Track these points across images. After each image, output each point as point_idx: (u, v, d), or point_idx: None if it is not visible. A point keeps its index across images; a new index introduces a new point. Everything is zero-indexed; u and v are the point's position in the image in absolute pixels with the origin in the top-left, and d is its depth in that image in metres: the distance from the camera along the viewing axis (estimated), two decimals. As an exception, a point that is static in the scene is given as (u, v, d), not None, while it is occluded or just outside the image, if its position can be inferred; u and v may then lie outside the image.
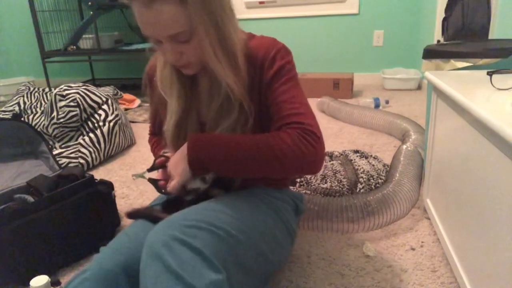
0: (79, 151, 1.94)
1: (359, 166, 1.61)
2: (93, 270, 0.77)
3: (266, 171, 0.82)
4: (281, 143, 0.79)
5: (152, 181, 0.95)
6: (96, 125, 2.05)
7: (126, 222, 1.43)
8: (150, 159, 1.00)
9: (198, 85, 0.95)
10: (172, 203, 0.94)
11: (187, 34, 0.78)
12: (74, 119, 2.01)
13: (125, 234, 0.87)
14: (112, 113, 2.11)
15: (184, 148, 0.85)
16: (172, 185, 0.84)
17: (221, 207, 0.83)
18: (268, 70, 0.88)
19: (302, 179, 1.55)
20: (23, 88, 2.92)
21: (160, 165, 0.94)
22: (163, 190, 0.92)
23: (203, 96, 0.95)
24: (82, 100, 2.04)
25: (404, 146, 1.67)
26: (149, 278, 0.68)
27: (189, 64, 0.85)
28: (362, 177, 1.53)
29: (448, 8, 2.25)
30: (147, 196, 1.64)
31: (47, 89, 2.89)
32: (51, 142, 2.04)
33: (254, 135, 0.84)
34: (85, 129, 2.05)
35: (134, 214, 0.96)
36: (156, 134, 1.13)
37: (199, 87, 0.95)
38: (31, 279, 0.94)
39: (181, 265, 0.67)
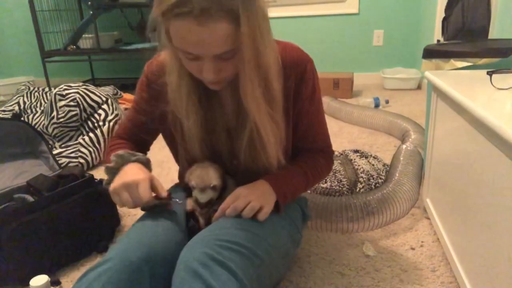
0: (79, 150, 1.94)
1: (359, 165, 1.61)
2: (115, 260, 0.75)
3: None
4: (321, 170, 1.04)
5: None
6: (96, 124, 2.05)
7: (126, 222, 1.43)
8: (151, 159, 1.00)
9: (219, 97, 0.92)
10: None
11: (232, 52, 0.76)
12: (74, 118, 2.01)
13: (144, 227, 0.86)
14: (112, 112, 2.11)
15: (263, 183, 0.92)
16: (265, 212, 0.88)
17: (247, 225, 0.84)
18: (302, 85, 0.93)
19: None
20: (23, 88, 2.91)
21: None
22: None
23: (225, 105, 0.93)
24: (82, 99, 2.04)
25: (404, 146, 1.67)
26: None
27: (223, 81, 0.83)
28: (362, 176, 1.53)
29: (448, 8, 2.26)
30: (147, 196, 1.63)
31: (47, 89, 2.88)
32: (51, 142, 2.03)
33: (308, 166, 1.00)
34: (85, 128, 2.05)
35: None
36: (123, 139, 1.05)
37: (220, 98, 0.92)
38: (31, 279, 0.94)
39: (222, 287, 0.69)
